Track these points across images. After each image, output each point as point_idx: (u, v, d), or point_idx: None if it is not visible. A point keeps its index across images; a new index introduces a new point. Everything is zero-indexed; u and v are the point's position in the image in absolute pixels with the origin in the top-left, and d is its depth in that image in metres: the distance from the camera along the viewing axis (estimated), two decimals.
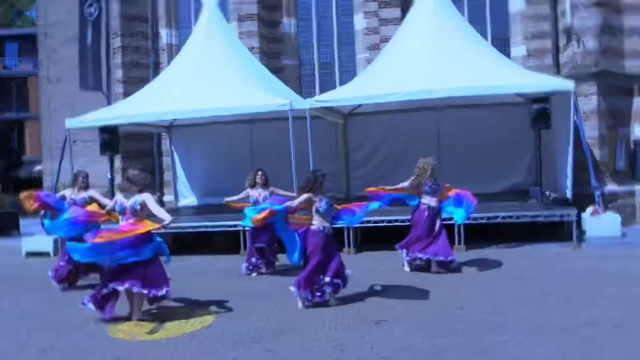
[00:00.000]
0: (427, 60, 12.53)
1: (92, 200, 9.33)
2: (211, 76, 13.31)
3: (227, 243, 12.36)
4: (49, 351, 5.98)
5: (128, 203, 6.99)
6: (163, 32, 20.21)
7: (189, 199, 17.39)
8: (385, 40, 16.27)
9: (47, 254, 13.15)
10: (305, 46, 19.93)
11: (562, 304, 6.93)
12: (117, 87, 19.62)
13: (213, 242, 12.99)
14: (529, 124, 12.19)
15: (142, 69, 19.85)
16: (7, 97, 43.20)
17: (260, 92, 12.77)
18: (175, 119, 15.18)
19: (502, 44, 17.65)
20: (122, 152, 16.95)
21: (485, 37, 16.98)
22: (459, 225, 10.77)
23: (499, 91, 12.07)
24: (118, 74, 19.66)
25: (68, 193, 9.60)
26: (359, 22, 19.02)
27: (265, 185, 10.07)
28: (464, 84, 11.72)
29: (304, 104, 12.68)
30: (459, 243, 10.87)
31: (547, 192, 12.61)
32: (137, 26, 19.90)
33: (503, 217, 11.12)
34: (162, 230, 11.73)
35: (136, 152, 19.45)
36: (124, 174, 7.46)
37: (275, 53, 19.51)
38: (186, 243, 13.60)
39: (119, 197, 7.19)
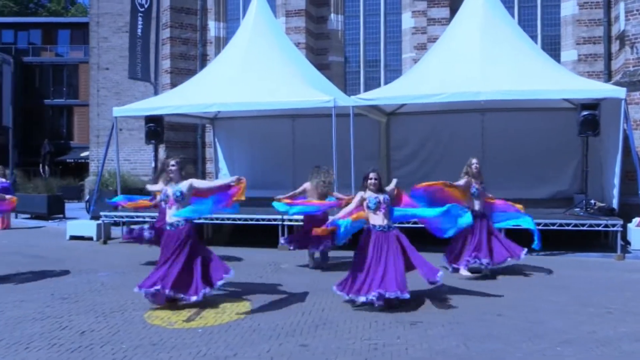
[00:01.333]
0: (474, 61, 12.38)
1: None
2: (257, 70, 13.40)
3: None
4: (88, 333, 6.10)
5: (170, 191, 7.13)
6: (211, 25, 20.44)
7: None
8: (433, 40, 16.16)
9: (90, 238, 13.43)
10: (351, 43, 19.93)
11: (603, 315, 6.77)
12: (165, 77, 19.95)
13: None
14: (576, 130, 11.90)
15: (190, 60, 20.13)
16: (58, 84, 44.31)
17: (305, 88, 12.81)
18: (219, 111, 15.32)
19: (552, 48, 17.38)
20: (167, 141, 17.26)
21: (535, 40, 16.73)
22: (500, 231, 10.60)
23: (547, 96, 11.85)
24: (166, 64, 19.98)
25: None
26: (407, 20, 18.92)
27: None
28: (511, 87, 11.54)
29: (348, 101, 12.66)
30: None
31: (593, 201, 12.33)
32: (186, 18, 20.19)
33: (546, 224, 10.91)
34: (202, 221, 12.00)
35: (180, 142, 19.78)
36: (164, 165, 7.48)
37: (321, 49, 19.57)
38: (225, 235, 13.77)
39: (159, 186, 7.33)
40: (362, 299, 6.92)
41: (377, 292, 6.81)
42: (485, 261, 8.80)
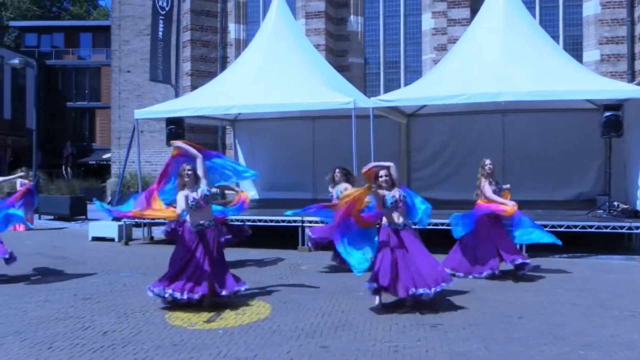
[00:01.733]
0: (495, 61, 12.29)
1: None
2: (277, 72, 13.43)
3: None
4: (110, 333, 6.16)
5: (198, 194, 7.18)
6: (231, 27, 20.55)
7: (250, 192, 17.57)
8: (453, 40, 16.10)
9: (111, 239, 13.55)
10: (371, 45, 19.92)
11: (626, 319, 6.68)
12: (185, 79, 20.09)
13: None
14: (599, 131, 11.76)
15: (210, 62, 20.27)
16: (80, 87, 44.77)
17: (325, 90, 12.81)
18: (239, 113, 15.38)
19: (574, 48, 17.24)
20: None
21: (557, 41, 16.60)
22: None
23: (569, 96, 11.71)
24: (186, 67, 20.13)
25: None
26: (427, 21, 18.87)
27: (347, 181, 9.82)
28: (533, 88, 11.43)
29: (368, 102, 12.65)
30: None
31: (616, 203, 12.18)
32: (207, 21, 20.32)
33: (568, 227, 10.79)
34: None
35: (201, 144, 19.74)
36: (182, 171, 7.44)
37: (341, 51, 19.59)
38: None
39: (182, 195, 7.20)
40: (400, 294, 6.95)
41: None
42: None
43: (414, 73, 18.81)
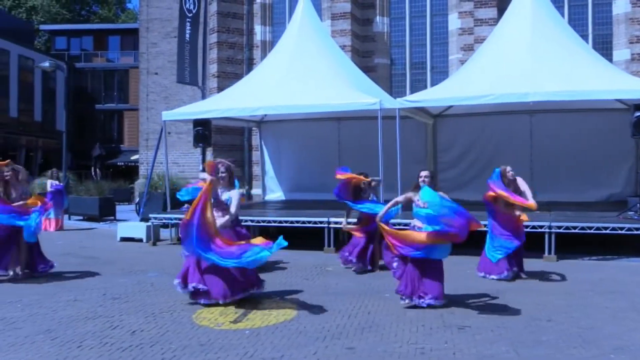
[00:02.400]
0: (523, 61, 12.18)
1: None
2: (303, 73, 13.47)
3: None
4: (138, 333, 6.22)
5: (223, 197, 7.26)
6: (258, 29, 20.63)
7: (276, 193, 17.67)
8: (480, 41, 15.97)
9: (139, 240, 13.69)
10: (397, 45, 19.85)
11: None
12: (212, 81, 20.22)
13: None
14: (630, 131, 11.56)
15: (236, 64, 20.37)
16: (109, 89, 45.37)
17: (351, 91, 12.81)
18: (266, 114, 15.45)
19: (603, 47, 16.99)
20: (214, 144, 17.48)
21: (586, 40, 16.37)
22: (550, 235, 10.44)
23: (598, 96, 11.54)
24: (213, 68, 20.25)
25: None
26: (454, 22, 18.74)
27: (372, 188, 10.09)
28: (562, 88, 11.29)
29: (394, 103, 12.61)
30: (549, 252, 10.51)
31: None
32: (233, 22, 20.43)
33: (598, 228, 10.62)
34: (250, 223, 12.17)
35: (227, 145, 20.02)
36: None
37: (367, 52, 19.55)
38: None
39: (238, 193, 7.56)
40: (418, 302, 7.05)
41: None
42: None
43: (441, 74, 18.70)
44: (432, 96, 12.86)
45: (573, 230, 10.58)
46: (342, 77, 13.56)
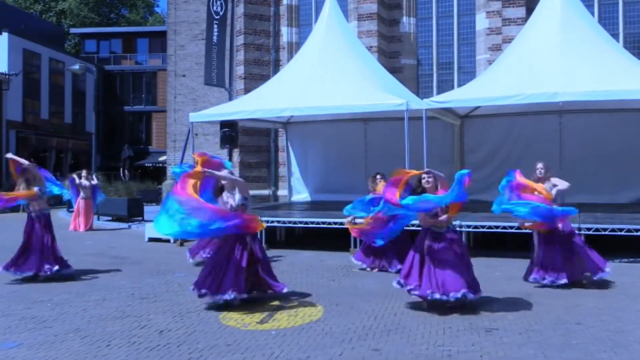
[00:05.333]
0: (552, 61, 12.01)
1: None
2: (329, 74, 13.47)
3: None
4: (165, 332, 6.27)
5: (235, 201, 7.36)
6: (284, 30, 20.69)
7: (302, 194, 17.69)
8: (508, 40, 15.82)
9: (167, 241, 13.80)
10: (424, 46, 19.75)
11: None
12: (239, 83, 20.33)
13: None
14: None
15: (263, 66, 20.45)
16: (137, 91, 45.89)
17: (377, 92, 12.78)
18: (292, 116, 15.48)
19: (636, 47, 16.72)
20: (241, 146, 17.59)
21: (617, 39, 16.11)
22: (579, 237, 10.27)
23: (629, 96, 11.32)
24: (240, 70, 20.37)
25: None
26: (481, 21, 18.59)
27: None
28: (592, 88, 11.12)
29: (421, 104, 12.55)
30: None
31: None
32: (260, 24, 20.52)
33: (629, 230, 10.44)
34: (277, 224, 12.23)
35: (254, 146, 20.11)
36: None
37: (394, 52, 19.49)
38: (298, 238, 13.87)
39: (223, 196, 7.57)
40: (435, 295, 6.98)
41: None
42: (550, 279, 8.44)
43: (468, 74, 18.55)
44: (460, 96, 12.75)
45: (603, 232, 10.42)
46: (369, 78, 13.53)
